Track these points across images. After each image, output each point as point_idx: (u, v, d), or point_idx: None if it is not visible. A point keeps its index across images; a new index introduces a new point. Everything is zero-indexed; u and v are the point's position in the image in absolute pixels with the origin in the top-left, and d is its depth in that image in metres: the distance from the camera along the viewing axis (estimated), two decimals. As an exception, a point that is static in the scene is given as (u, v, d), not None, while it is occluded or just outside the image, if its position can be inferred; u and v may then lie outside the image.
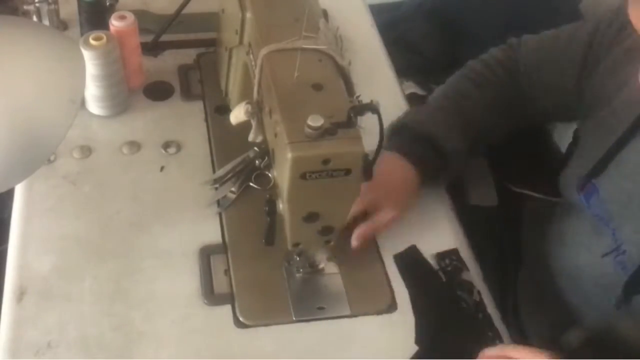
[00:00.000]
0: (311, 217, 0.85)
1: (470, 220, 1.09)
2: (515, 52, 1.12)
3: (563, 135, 1.32)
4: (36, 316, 0.90)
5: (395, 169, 1.03)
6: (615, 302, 0.93)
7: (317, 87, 0.83)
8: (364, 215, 0.99)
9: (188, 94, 1.20)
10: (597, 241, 0.96)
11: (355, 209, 0.94)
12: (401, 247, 1.02)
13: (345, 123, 0.78)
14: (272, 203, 0.87)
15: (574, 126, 1.11)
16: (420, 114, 1.09)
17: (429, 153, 1.04)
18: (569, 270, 1.03)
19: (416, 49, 1.80)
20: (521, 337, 1.07)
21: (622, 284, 0.92)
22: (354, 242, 0.98)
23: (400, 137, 1.06)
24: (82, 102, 1.12)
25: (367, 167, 0.82)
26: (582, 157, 1.00)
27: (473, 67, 1.14)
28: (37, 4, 1.19)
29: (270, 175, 1.05)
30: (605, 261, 0.94)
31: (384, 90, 1.25)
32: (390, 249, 1.01)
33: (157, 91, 1.20)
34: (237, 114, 0.92)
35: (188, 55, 1.27)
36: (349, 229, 0.97)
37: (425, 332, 0.93)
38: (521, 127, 1.13)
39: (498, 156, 1.23)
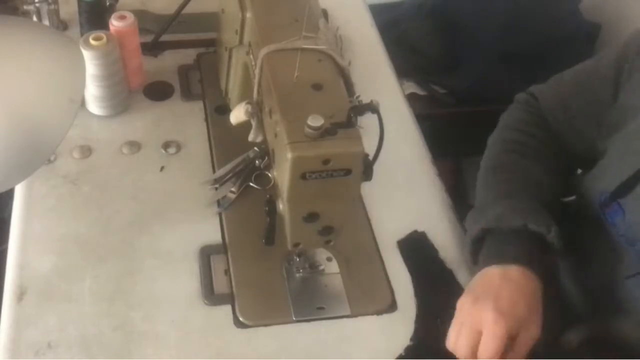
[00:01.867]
0: (311, 217, 0.85)
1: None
2: (536, 107, 1.05)
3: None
4: (36, 316, 0.90)
5: (509, 286, 0.88)
6: (636, 321, 0.92)
7: (317, 87, 0.83)
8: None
9: (188, 94, 1.20)
10: (621, 262, 0.93)
11: (495, 346, 0.83)
12: (401, 247, 1.02)
13: (345, 123, 0.78)
14: (272, 203, 0.87)
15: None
16: (494, 212, 0.96)
17: (531, 246, 0.91)
18: (586, 285, 1.00)
19: (416, 49, 1.80)
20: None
21: None
22: None
23: (490, 244, 0.94)
24: (82, 102, 1.12)
25: (367, 167, 0.82)
26: (606, 173, 0.95)
27: (506, 138, 1.04)
28: (37, 4, 1.19)
29: (270, 175, 1.05)
30: (629, 283, 0.92)
31: (384, 90, 1.25)
32: (390, 249, 1.01)
33: (157, 91, 1.20)
34: (237, 114, 0.92)
35: (188, 55, 1.27)
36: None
37: (424, 318, 0.93)
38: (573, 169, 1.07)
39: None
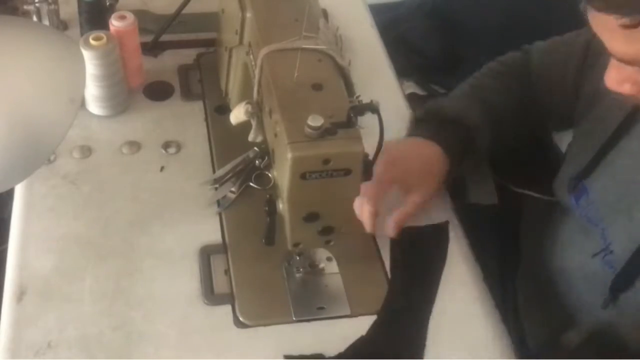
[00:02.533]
0: (311, 217, 0.85)
1: (471, 220, 1.09)
2: (528, 54, 1.14)
3: (563, 136, 1.32)
4: (36, 316, 0.90)
5: (422, 151, 1.03)
6: (602, 302, 0.94)
7: (317, 87, 0.83)
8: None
9: (188, 94, 1.20)
10: (587, 241, 0.97)
11: (373, 190, 0.94)
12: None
13: (345, 123, 0.78)
14: (272, 203, 0.87)
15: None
16: (443, 102, 1.11)
17: (453, 134, 1.04)
18: (562, 271, 1.04)
19: (416, 49, 1.80)
20: (521, 338, 1.07)
21: (610, 283, 0.92)
22: (392, 232, 0.98)
23: (425, 123, 1.08)
24: (82, 102, 1.12)
25: (367, 167, 0.82)
26: (574, 158, 1.01)
27: (490, 65, 1.17)
28: (37, 4, 1.19)
29: (270, 175, 1.05)
30: (594, 261, 0.95)
31: (384, 90, 1.25)
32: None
33: (157, 91, 1.20)
34: (237, 114, 0.92)
35: (188, 55, 1.27)
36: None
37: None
38: (534, 129, 1.14)
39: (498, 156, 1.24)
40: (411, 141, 1.06)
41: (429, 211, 1.06)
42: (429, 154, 1.03)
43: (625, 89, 0.80)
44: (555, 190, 1.06)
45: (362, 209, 0.95)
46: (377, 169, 0.90)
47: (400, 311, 0.93)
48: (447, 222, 1.04)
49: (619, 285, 0.92)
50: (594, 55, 0.99)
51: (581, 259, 0.99)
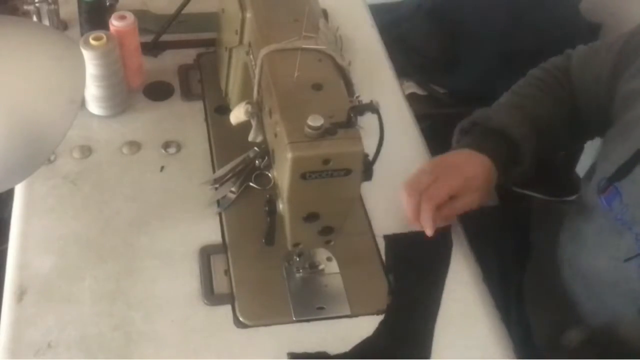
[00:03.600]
0: (311, 217, 0.85)
1: (470, 220, 1.08)
2: (569, 60, 1.14)
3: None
4: (36, 316, 0.90)
5: (471, 159, 1.04)
6: (637, 308, 0.93)
7: (317, 87, 0.83)
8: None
9: (188, 94, 1.20)
10: (619, 245, 0.95)
11: (444, 192, 0.98)
12: (401, 247, 1.02)
13: (345, 123, 0.78)
14: (272, 203, 0.87)
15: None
16: (488, 112, 1.11)
17: (500, 145, 1.05)
18: (585, 272, 1.02)
19: (416, 49, 1.80)
20: (525, 336, 1.07)
21: None
22: (435, 223, 0.98)
23: (471, 134, 1.09)
24: (82, 102, 1.12)
25: (367, 167, 0.82)
26: (606, 161, 0.99)
27: (533, 73, 1.16)
28: (37, 4, 1.19)
29: (270, 175, 1.05)
30: (627, 266, 0.93)
31: (384, 90, 1.25)
32: (390, 249, 1.01)
33: (157, 91, 1.20)
34: (237, 114, 0.92)
35: (188, 55, 1.27)
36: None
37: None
38: (577, 137, 1.14)
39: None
40: (462, 153, 1.06)
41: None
42: (483, 165, 1.04)
43: None
44: (582, 192, 1.05)
45: (424, 206, 0.98)
46: (445, 175, 0.98)
47: (407, 311, 0.93)
48: (449, 226, 1.04)
49: None
50: (628, 56, 0.99)
51: (611, 263, 0.96)
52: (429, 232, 0.97)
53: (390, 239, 1.01)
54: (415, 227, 1.00)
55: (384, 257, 1.00)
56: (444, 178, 0.99)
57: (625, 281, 0.95)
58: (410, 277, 0.94)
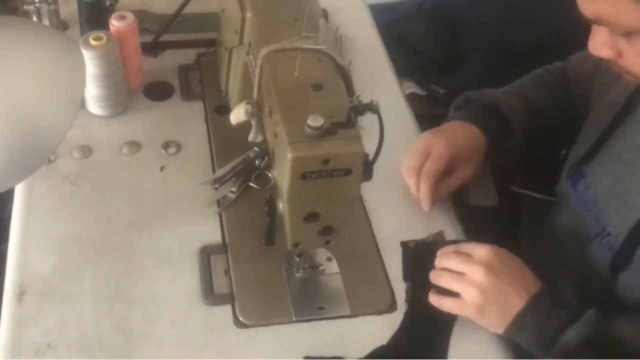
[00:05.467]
0: (311, 217, 0.85)
1: (470, 220, 1.09)
2: (569, 61, 1.18)
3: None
4: (36, 316, 0.90)
5: (464, 130, 1.08)
6: (604, 285, 0.94)
7: (317, 87, 0.83)
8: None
9: (188, 94, 1.20)
10: (583, 227, 0.98)
11: (437, 167, 1.02)
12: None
13: (345, 123, 0.78)
14: (272, 203, 0.87)
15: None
16: (483, 92, 1.15)
17: (492, 119, 1.09)
18: (562, 263, 1.04)
19: (416, 49, 1.80)
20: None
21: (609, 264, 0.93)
22: (435, 199, 1.02)
23: (465, 109, 1.13)
24: (82, 102, 1.12)
25: (367, 167, 0.82)
26: (577, 147, 1.03)
27: (534, 71, 1.21)
28: (37, 4, 1.19)
29: (270, 175, 1.05)
30: (592, 245, 0.96)
31: (384, 90, 1.25)
32: (390, 249, 1.01)
33: (157, 91, 1.20)
34: (237, 114, 0.92)
35: (188, 55, 1.27)
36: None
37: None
38: (568, 131, 1.15)
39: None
40: (452, 123, 1.10)
41: (430, 211, 1.06)
42: (471, 134, 1.08)
43: (604, 52, 0.84)
44: (559, 184, 1.07)
45: (422, 184, 1.02)
46: (436, 148, 1.02)
47: (424, 319, 0.93)
48: (442, 231, 1.04)
49: (619, 263, 0.92)
50: None
51: (578, 247, 0.99)
52: (426, 207, 1.02)
53: (407, 246, 1.01)
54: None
55: (384, 257, 1.00)
56: (435, 153, 1.03)
57: (592, 261, 0.97)
58: (426, 285, 0.94)
